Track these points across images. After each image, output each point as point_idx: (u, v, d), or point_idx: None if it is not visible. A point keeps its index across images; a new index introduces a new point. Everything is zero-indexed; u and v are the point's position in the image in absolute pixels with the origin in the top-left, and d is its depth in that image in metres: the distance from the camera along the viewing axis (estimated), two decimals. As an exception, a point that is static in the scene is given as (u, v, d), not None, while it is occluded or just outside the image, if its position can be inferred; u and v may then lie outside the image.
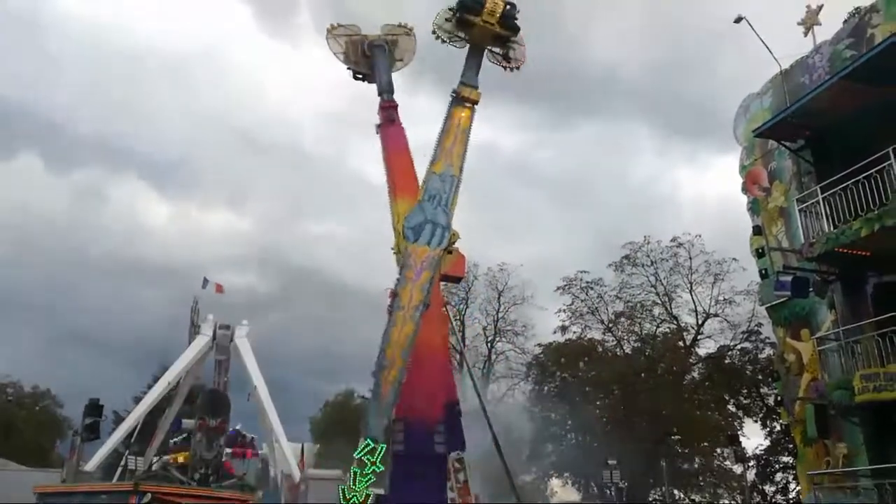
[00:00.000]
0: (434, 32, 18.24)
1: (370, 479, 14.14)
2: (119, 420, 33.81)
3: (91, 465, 28.66)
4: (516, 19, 17.76)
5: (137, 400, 33.08)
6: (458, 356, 41.30)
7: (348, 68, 19.56)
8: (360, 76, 19.66)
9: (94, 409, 21.53)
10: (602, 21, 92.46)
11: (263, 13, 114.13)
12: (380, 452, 14.50)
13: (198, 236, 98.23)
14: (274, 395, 30.44)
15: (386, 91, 19.31)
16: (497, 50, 18.14)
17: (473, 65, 17.93)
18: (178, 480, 20.65)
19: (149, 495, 11.01)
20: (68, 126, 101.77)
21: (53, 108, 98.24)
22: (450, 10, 17.90)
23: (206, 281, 30.55)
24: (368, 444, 14.20)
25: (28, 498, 12.28)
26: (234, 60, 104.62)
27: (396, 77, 19.84)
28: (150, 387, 32.58)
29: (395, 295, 17.53)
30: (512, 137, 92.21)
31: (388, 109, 19.05)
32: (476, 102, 18.05)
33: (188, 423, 24.23)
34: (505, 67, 18.44)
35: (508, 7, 17.47)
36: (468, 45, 17.79)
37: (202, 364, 30.55)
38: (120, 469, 28.12)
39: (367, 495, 13.55)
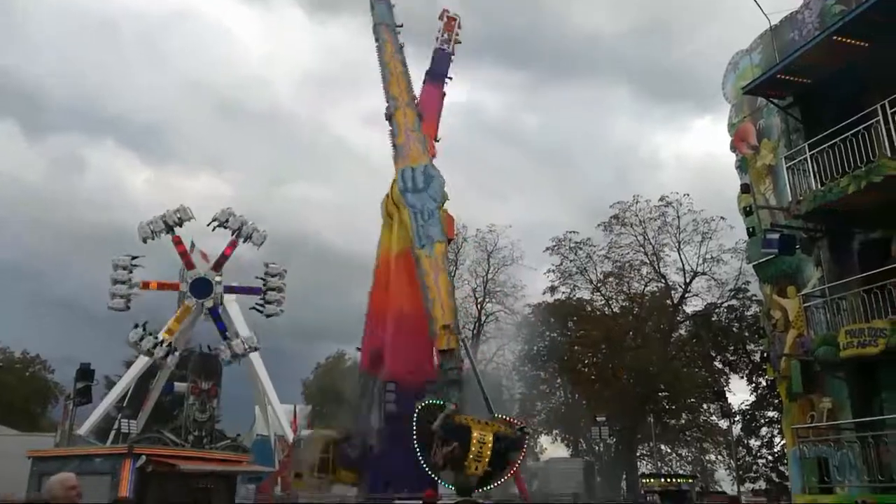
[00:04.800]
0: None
1: None
2: (110, 385, 33.90)
3: (84, 429, 28.84)
4: None
5: (128, 364, 33.11)
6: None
7: None
8: None
9: (86, 373, 21.62)
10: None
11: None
12: None
13: (179, 202, 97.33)
14: (264, 358, 30.58)
15: None
16: None
17: None
18: (173, 443, 20.81)
19: (143, 458, 11.05)
20: (44, 93, 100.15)
21: (29, 75, 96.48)
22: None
23: (192, 245, 30.30)
24: None
25: (21, 463, 12.30)
26: (208, 24, 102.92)
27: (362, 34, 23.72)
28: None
29: None
30: (495, 99, 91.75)
31: None
32: None
33: (181, 386, 24.33)
34: None
35: None
36: None
37: (192, 328, 30.52)
38: (113, 433, 28.28)
39: None
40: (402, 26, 26.67)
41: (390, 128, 25.27)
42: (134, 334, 26.22)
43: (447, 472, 18.22)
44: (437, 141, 26.76)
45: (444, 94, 27.63)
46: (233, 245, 29.31)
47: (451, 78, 27.81)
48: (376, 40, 26.21)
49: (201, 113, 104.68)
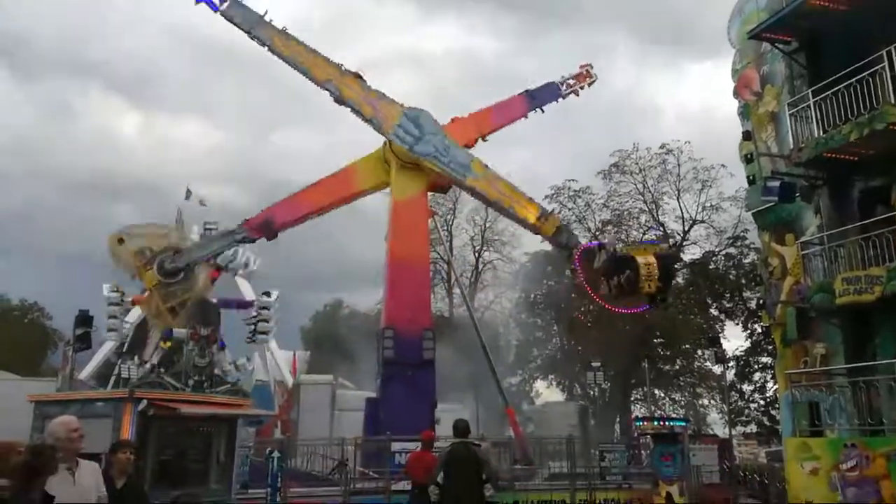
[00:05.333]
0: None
1: None
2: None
3: (84, 374, 29.14)
4: None
5: (127, 311, 33.25)
6: (446, 266, 41.78)
7: None
8: None
9: (85, 320, 21.79)
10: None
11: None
12: None
13: (171, 151, 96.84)
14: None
15: None
16: None
17: None
18: (173, 387, 21.05)
19: (145, 402, 11.16)
20: (32, 38, 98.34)
21: (16, 19, 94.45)
22: None
23: (189, 192, 30.15)
24: None
25: (23, 407, 12.43)
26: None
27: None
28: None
29: None
30: (491, 44, 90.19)
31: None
32: None
33: (179, 332, 24.50)
34: None
35: None
36: None
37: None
38: (113, 378, 28.58)
39: None
40: (267, 12, 23.70)
41: (349, 109, 23.73)
42: (125, 369, 26.65)
43: (622, 299, 19.71)
44: (485, 141, 25.77)
45: (524, 118, 26.57)
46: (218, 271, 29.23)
47: (543, 111, 26.85)
48: (262, 45, 23.57)
49: (190, 58, 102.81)
